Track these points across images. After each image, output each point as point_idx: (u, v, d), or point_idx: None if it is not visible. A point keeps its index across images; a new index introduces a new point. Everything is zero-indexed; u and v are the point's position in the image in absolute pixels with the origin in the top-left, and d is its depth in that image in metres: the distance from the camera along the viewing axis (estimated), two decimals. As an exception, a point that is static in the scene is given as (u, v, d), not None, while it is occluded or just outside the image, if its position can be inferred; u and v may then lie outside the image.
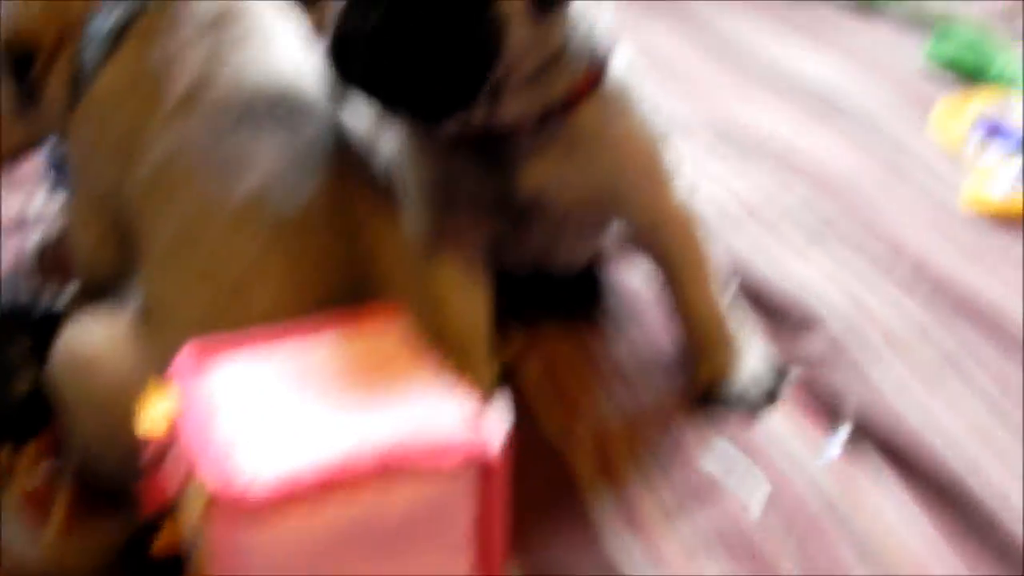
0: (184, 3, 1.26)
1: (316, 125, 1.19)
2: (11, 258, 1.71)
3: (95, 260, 1.36)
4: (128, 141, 1.22)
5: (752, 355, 1.38)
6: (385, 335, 0.97)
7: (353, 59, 1.11)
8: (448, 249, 1.30)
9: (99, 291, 1.41)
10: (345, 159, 1.18)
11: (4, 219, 1.82)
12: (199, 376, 0.92)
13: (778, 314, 1.49)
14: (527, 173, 1.23)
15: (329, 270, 1.10)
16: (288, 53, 1.28)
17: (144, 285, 1.20)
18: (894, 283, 1.55)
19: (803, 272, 1.56)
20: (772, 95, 2.14)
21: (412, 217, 1.30)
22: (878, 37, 2.41)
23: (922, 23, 2.47)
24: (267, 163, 1.13)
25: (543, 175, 1.24)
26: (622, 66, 1.28)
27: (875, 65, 2.25)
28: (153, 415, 0.91)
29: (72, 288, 1.51)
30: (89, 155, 1.29)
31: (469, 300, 1.32)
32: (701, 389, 1.37)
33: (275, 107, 1.18)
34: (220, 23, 1.25)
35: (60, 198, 1.78)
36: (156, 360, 1.03)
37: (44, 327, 1.37)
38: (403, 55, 1.09)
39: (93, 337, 1.18)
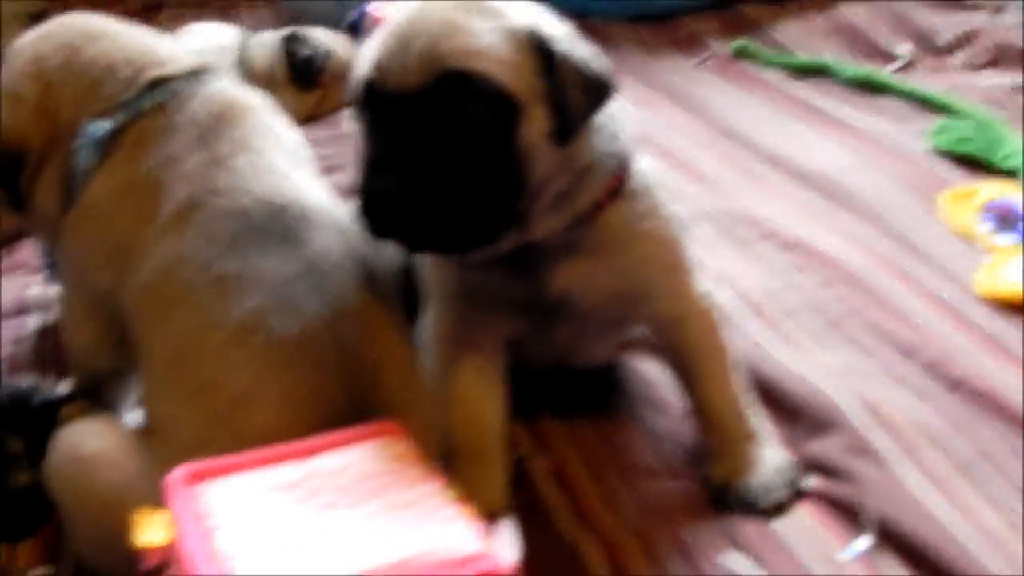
0: (179, 108, 1.26)
1: (318, 238, 1.16)
2: (9, 344, 1.69)
3: (94, 357, 1.33)
4: (124, 247, 1.20)
5: (768, 458, 1.35)
6: (389, 452, 0.94)
7: (384, 216, 1.12)
8: (466, 351, 1.30)
9: (96, 387, 1.38)
10: (348, 272, 1.16)
11: (5, 306, 1.80)
12: (197, 492, 0.88)
13: (791, 415, 1.45)
14: (556, 276, 1.25)
15: (330, 389, 1.07)
16: (287, 160, 1.27)
17: (145, 399, 1.17)
18: (910, 382, 1.51)
19: (815, 371, 1.51)
20: (777, 184, 2.12)
21: (431, 319, 1.32)
22: (880, 123, 2.40)
23: (924, 106, 2.47)
24: (267, 280, 1.11)
25: (571, 276, 1.25)
26: (644, 166, 1.30)
27: (880, 152, 2.24)
28: (152, 526, 0.87)
29: (68, 382, 1.49)
30: (85, 257, 1.27)
31: (485, 400, 1.31)
32: (716, 488, 1.34)
33: (275, 220, 1.16)
34: (217, 128, 1.24)
35: (56, 285, 1.76)
36: (157, 471, 0.99)
37: (41, 420, 1.34)
38: (432, 207, 1.10)
39: (95, 439, 1.15)
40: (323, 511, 0.86)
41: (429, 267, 1.31)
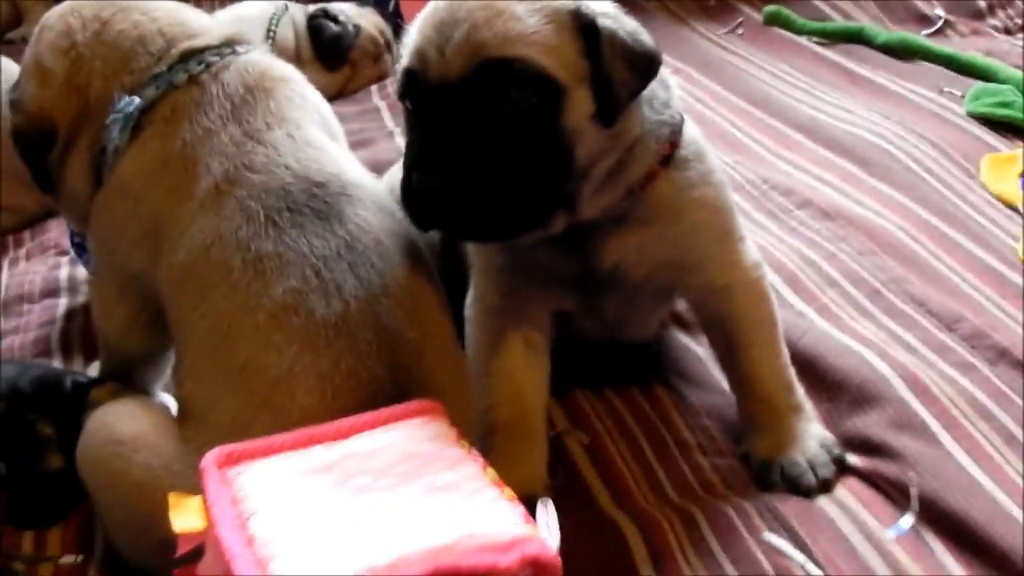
0: (212, 80, 1.22)
1: (357, 214, 1.14)
2: (38, 327, 1.68)
3: (125, 340, 1.31)
4: (158, 225, 1.17)
5: (814, 433, 1.32)
6: (427, 432, 0.91)
7: (429, 211, 1.11)
8: (513, 323, 1.29)
9: (127, 369, 1.37)
10: (388, 249, 1.13)
11: (34, 287, 1.79)
12: (233, 475, 0.86)
13: (831, 389, 1.41)
14: (607, 249, 1.24)
15: (370, 369, 1.05)
16: (323, 133, 1.24)
17: (181, 379, 1.15)
18: (952, 354, 1.47)
19: (856, 345, 1.47)
20: (813, 152, 2.08)
21: (478, 291, 1.31)
22: (917, 88, 2.35)
23: (962, 70, 2.41)
24: (305, 260, 1.08)
25: (623, 249, 1.24)
26: (693, 135, 1.28)
27: (917, 117, 2.18)
28: (187, 511, 0.86)
29: (97, 364, 1.48)
30: (117, 236, 1.24)
31: (531, 373, 1.30)
32: (760, 463, 1.31)
33: (314, 197, 1.13)
34: (251, 100, 1.21)
35: (84, 266, 1.75)
36: (193, 454, 0.98)
37: (72, 404, 1.33)
38: (478, 199, 1.09)
39: (130, 422, 1.13)
40: (361, 494, 0.84)
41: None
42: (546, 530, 0.83)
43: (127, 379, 1.37)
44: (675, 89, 1.27)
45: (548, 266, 1.25)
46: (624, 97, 1.12)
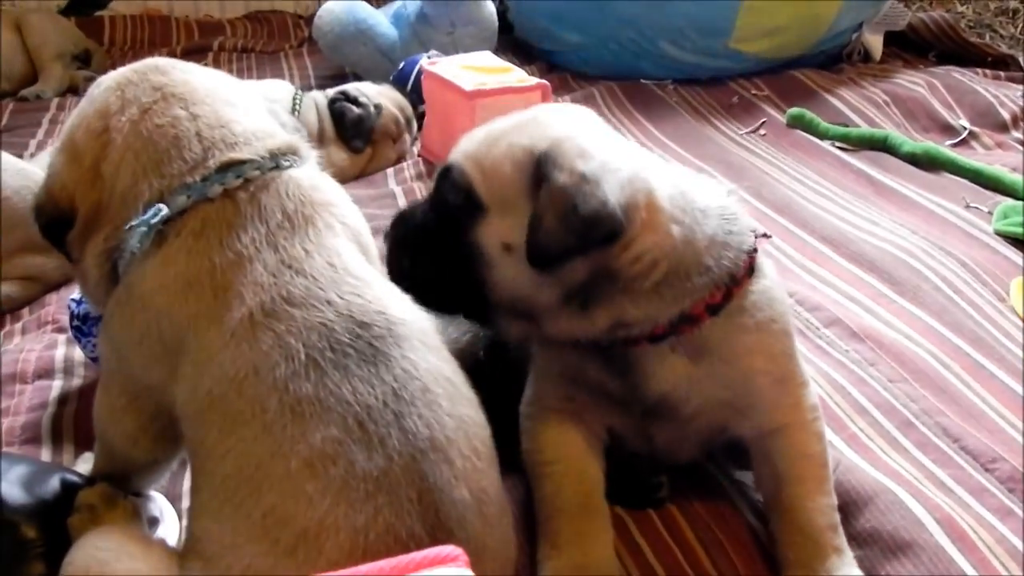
0: (249, 200, 1.14)
1: (406, 356, 1.06)
2: (32, 410, 1.60)
3: (131, 450, 1.23)
4: (181, 344, 1.09)
5: None
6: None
7: (399, 279, 1.23)
8: (573, 423, 1.31)
9: (124, 476, 1.29)
10: (435, 396, 1.05)
11: (28, 366, 1.71)
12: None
13: (863, 534, 1.32)
14: (655, 377, 1.24)
15: (408, 530, 0.97)
16: (368, 263, 1.17)
17: (196, 512, 1.07)
18: (991, 499, 1.39)
19: (888, 482, 1.39)
20: (841, 267, 2.01)
21: (536, 392, 1.35)
22: (943, 202, 2.30)
23: (988, 185, 2.37)
24: (348, 408, 1.00)
25: (672, 380, 1.24)
26: (766, 283, 1.26)
27: (944, 233, 2.13)
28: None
29: (88, 459, 1.40)
30: (134, 347, 1.16)
31: (591, 456, 1.31)
32: None
33: (358, 337, 1.05)
34: (287, 227, 1.12)
35: (81, 348, 1.68)
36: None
37: (60, 505, 1.25)
38: (415, 280, 1.23)
39: (126, 562, 1.04)
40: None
41: (536, 344, 1.35)
42: None
43: (120, 480, 1.29)
44: (746, 235, 1.26)
45: (598, 383, 1.27)
46: (551, 247, 1.14)
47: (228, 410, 1.03)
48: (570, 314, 1.20)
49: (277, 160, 1.18)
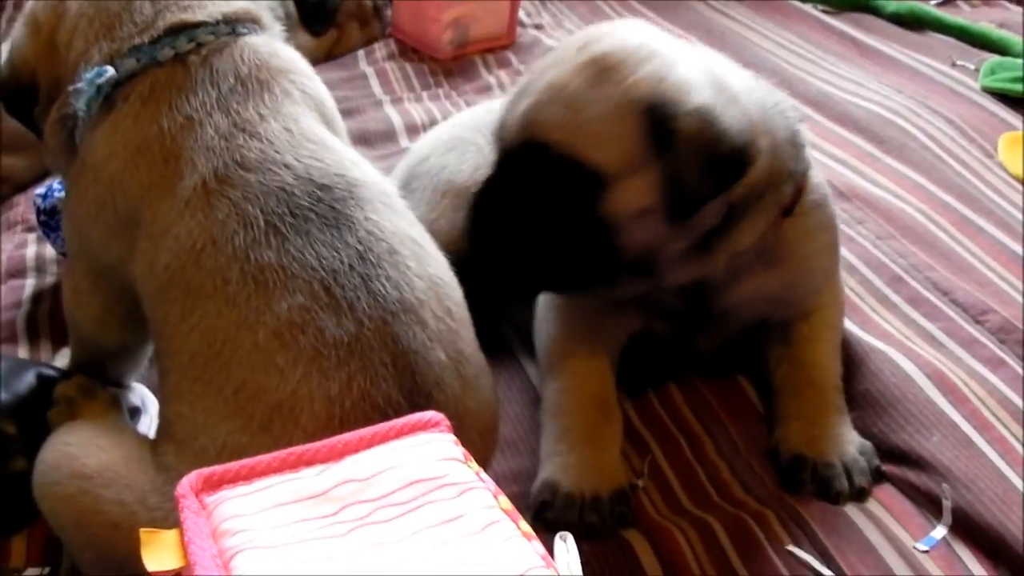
0: (200, 64, 1.08)
1: (369, 218, 1.02)
2: (6, 309, 1.57)
3: (99, 332, 1.20)
4: (135, 218, 1.05)
5: (852, 439, 1.24)
6: (432, 451, 0.81)
7: (494, 277, 1.17)
8: (584, 345, 1.27)
9: (100, 361, 1.26)
10: (403, 258, 1.02)
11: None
12: (212, 503, 0.77)
13: (857, 397, 1.32)
14: (728, 292, 1.23)
15: (384, 395, 0.94)
16: (326, 128, 1.11)
17: (166, 397, 1.04)
18: (982, 349, 1.38)
19: (880, 344, 1.38)
20: (827, 129, 1.97)
21: (547, 317, 1.31)
22: (929, 61, 2.25)
23: (974, 43, 2.32)
24: (314, 274, 0.97)
25: (740, 294, 1.23)
26: (818, 181, 1.27)
27: (931, 92, 2.09)
28: (163, 548, 0.75)
29: (65, 354, 1.37)
30: (91, 222, 1.12)
31: (605, 369, 1.27)
32: (791, 458, 1.23)
33: (319, 200, 1.01)
34: (240, 91, 1.07)
35: (51, 244, 1.64)
36: (171, 483, 0.86)
37: (38, 399, 1.22)
38: (520, 270, 1.16)
39: (96, 454, 1.01)
40: (357, 528, 0.74)
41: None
42: (566, 569, 0.73)
43: (99, 371, 1.26)
44: (806, 143, 1.24)
45: (657, 300, 1.25)
46: (695, 200, 1.08)
47: (188, 285, 1.00)
48: (696, 258, 1.16)
49: (234, 26, 1.12)
